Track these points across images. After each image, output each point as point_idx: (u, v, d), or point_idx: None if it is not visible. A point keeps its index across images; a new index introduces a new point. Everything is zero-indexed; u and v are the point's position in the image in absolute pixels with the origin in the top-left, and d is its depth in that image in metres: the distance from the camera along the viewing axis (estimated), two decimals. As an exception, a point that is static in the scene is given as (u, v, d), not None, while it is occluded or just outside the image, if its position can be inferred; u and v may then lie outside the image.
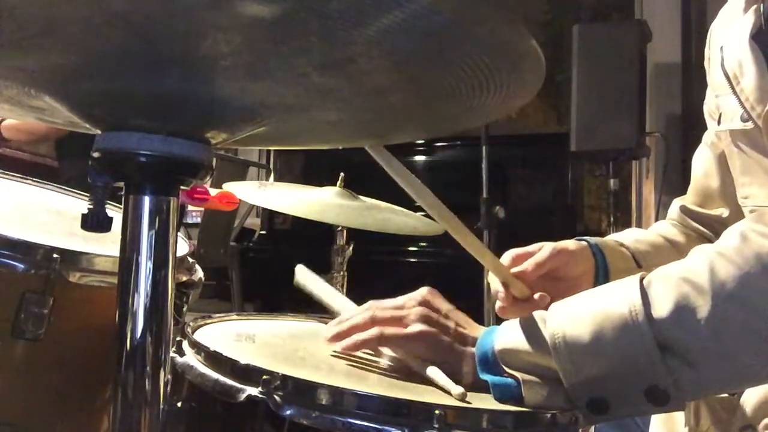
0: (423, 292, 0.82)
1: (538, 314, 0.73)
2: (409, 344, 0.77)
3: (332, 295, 1.00)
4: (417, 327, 0.76)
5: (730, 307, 0.65)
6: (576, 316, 0.69)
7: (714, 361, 0.65)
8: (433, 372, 0.74)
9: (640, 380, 0.66)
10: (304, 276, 1.05)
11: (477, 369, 0.73)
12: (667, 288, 0.67)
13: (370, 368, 0.79)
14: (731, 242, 0.69)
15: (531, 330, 0.72)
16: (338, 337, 0.80)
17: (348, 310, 0.88)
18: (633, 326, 0.65)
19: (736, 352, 0.65)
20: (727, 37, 0.93)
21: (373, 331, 0.77)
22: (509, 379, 0.71)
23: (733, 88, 0.89)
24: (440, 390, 0.72)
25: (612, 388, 0.67)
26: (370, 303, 0.84)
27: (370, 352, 0.83)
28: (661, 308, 0.66)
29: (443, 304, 0.81)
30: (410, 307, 0.80)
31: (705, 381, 0.67)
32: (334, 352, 0.82)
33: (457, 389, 0.70)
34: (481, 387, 0.72)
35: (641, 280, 0.69)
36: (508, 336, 0.73)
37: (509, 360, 0.71)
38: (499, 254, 0.95)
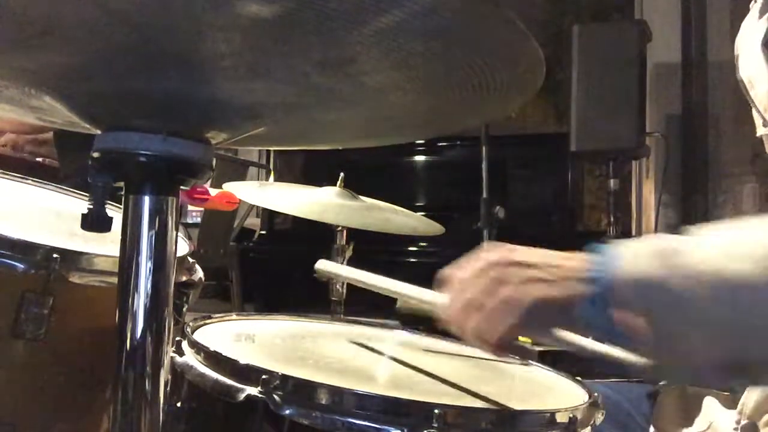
0: (490, 255, 0.64)
1: (667, 241, 0.58)
2: (527, 320, 0.60)
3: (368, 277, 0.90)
4: (526, 298, 0.60)
5: None
6: (737, 253, 0.53)
7: None
8: (565, 335, 0.64)
9: None
10: (328, 266, 0.98)
11: (585, 307, 0.58)
12: None
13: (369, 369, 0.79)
14: None
15: (668, 261, 0.55)
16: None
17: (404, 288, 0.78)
18: None
19: None
20: (742, 45, 0.92)
21: (495, 330, 0.61)
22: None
23: (749, 95, 0.88)
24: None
25: None
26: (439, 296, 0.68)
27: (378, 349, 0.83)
28: None
29: (523, 256, 0.64)
30: (489, 280, 0.62)
31: None
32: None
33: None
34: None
35: None
36: (636, 267, 0.57)
37: (643, 294, 0.55)
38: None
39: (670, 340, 0.55)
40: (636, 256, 0.58)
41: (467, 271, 0.65)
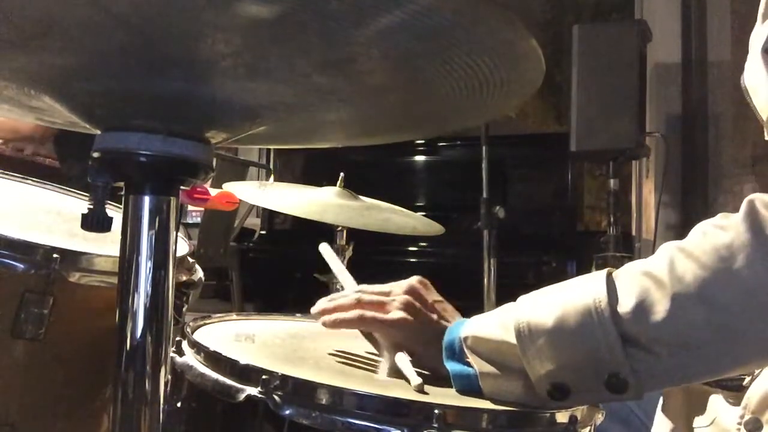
0: (413, 280, 0.84)
1: (507, 305, 0.74)
2: (387, 330, 0.79)
3: (342, 273, 1.02)
4: (397, 314, 0.79)
5: (688, 301, 0.65)
6: (542, 305, 0.70)
7: (676, 352, 0.66)
8: (400, 359, 0.75)
9: (600, 367, 0.66)
10: (327, 252, 1.08)
11: (443, 357, 0.74)
12: (630, 282, 0.68)
13: (369, 368, 0.79)
14: (692, 238, 0.70)
15: (499, 318, 0.72)
16: (323, 312, 0.83)
17: (346, 289, 0.90)
18: (596, 315, 0.66)
19: (698, 344, 0.65)
20: (751, 50, 0.91)
21: (354, 313, 0.80)
22: (470, 369, 0.72)
23: (752, 102, 0.87)
24: (404, 379, 0.72)
25: (573, 375, 0.67)
26: (362, 286, 0.87)
27: (372, 351, 0.84)
28: (624, 301, 0.66)
29: (431, 295, 0.83)
30: (397, 294, 0.81)
31: (666, 370, 0.67)
32: (335, 350, 0.83)
33: (416, 380, 0.71)
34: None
35: (609, 273, 0.70)
36: (476, 324, 0.74)
37: (475, 347, 0.72)
38: (499, 256, 0.96)
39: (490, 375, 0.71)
40: (481, 318, 0.75)
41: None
